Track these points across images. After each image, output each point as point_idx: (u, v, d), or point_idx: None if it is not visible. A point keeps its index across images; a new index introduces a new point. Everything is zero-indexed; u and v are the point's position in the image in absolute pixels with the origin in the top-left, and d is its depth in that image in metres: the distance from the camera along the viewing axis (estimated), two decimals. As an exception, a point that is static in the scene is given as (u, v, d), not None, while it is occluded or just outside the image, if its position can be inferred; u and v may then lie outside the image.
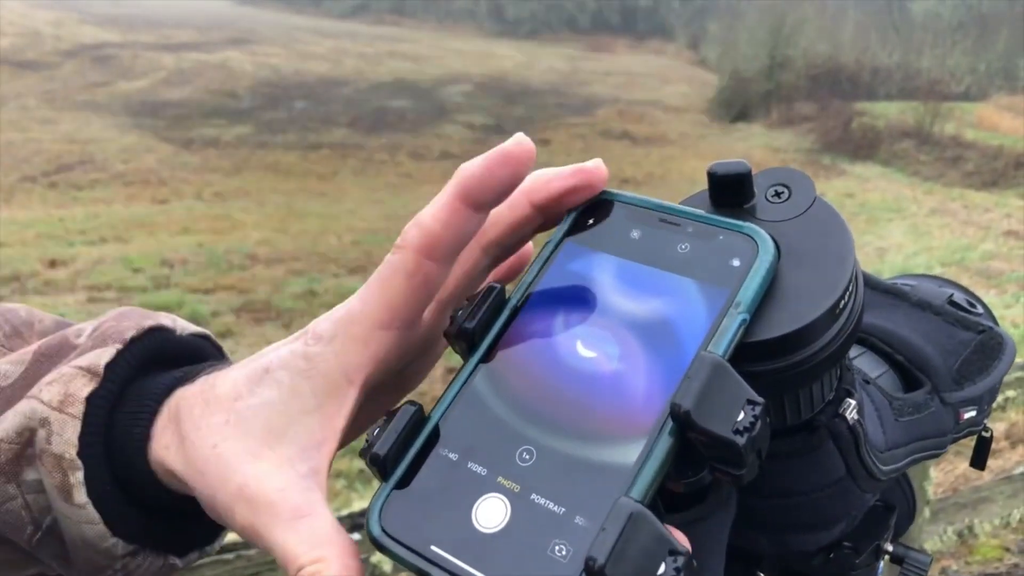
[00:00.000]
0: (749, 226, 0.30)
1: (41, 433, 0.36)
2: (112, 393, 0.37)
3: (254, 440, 0.31)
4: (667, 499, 0.29)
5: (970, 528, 2.52)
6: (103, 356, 0.37)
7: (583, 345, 0.29)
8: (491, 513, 0.26)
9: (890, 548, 0.45)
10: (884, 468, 0.39)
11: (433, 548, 0.26)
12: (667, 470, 0.26)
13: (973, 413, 0.47)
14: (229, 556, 1.28)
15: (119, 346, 0.37)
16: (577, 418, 0.28)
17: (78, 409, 0.36)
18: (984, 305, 0.54)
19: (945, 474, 3.04)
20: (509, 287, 0.32)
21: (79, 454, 0.35)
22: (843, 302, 0.29)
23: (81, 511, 0.36)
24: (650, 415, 0.26)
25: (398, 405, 0.29)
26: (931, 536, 2.43)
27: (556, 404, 0.28)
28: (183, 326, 0.41)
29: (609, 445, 0.26)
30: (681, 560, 0.24)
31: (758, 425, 0.25)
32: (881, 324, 0.48)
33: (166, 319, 0.40)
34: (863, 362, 0.45)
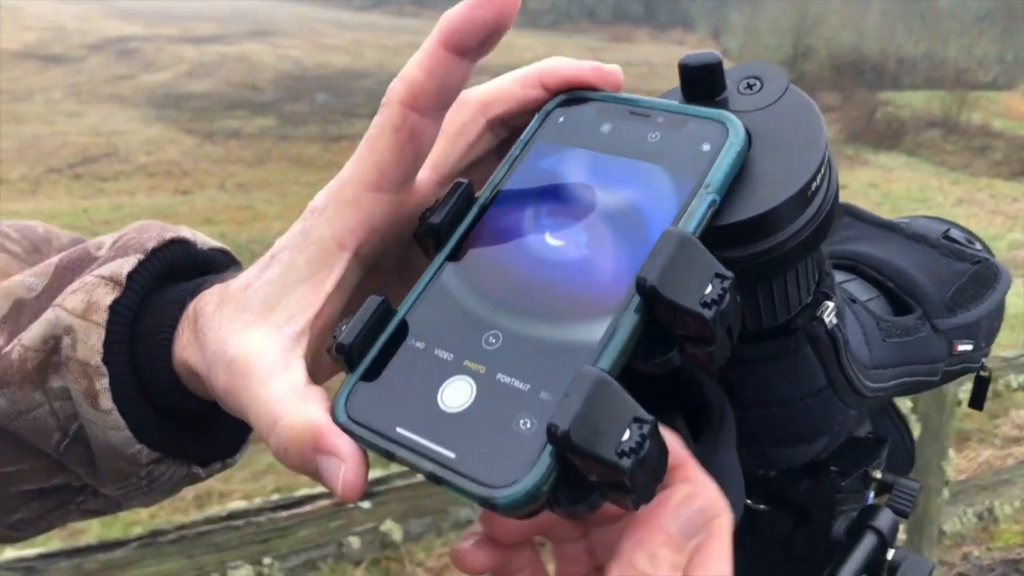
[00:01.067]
0: (719, 112, 0.30)
1: (66, 341, 0.37)
2: (134, 302, 0.37)
3: (251, 314, 0.31)
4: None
5: (990, 511, 2.49)
6: (125, 266, 0.38)
7: (551, 235, 0.29)
8: (456, 394, 0.26)
9: (878, 475, 0.45)
10: (869, 384, 0.38)
11: (398, 430, 0.26)
12: (634, 346, 0.26)
13: (969, 347, 0.47)
14: (239, 523, 1.30)
15: (141, 256, 0.38)
16: (544, 302, 0.28)
17: (101, 317, 0.36)
18: (983, 243, 0.54)
19: (968, 461, 3.00)
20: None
21: (104, 360, 0.36)
22: (814, 185, 0.29)
23: (107, 417, 0.36)
24: (618, 294, 0.26)
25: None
26: (951, 517, 2.41)
27: (523, 290, 0.28)
28: (203, 240, 0.41)
29: (576, 325, 0.26)
30: (647, 428, 0.23)
31: (727, 299, 0.25)
32: (872, 252, 0.47)
33: (187, 232, 0.41)
34: (852, 288, 0.45)
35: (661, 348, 0.26)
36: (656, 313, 0.26)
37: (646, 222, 0.28)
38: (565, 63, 0.33)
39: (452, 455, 0.25)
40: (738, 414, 0.37)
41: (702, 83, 0.31)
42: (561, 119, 0.32)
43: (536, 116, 0.32)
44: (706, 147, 0.29)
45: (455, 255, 0.30)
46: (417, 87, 0.30)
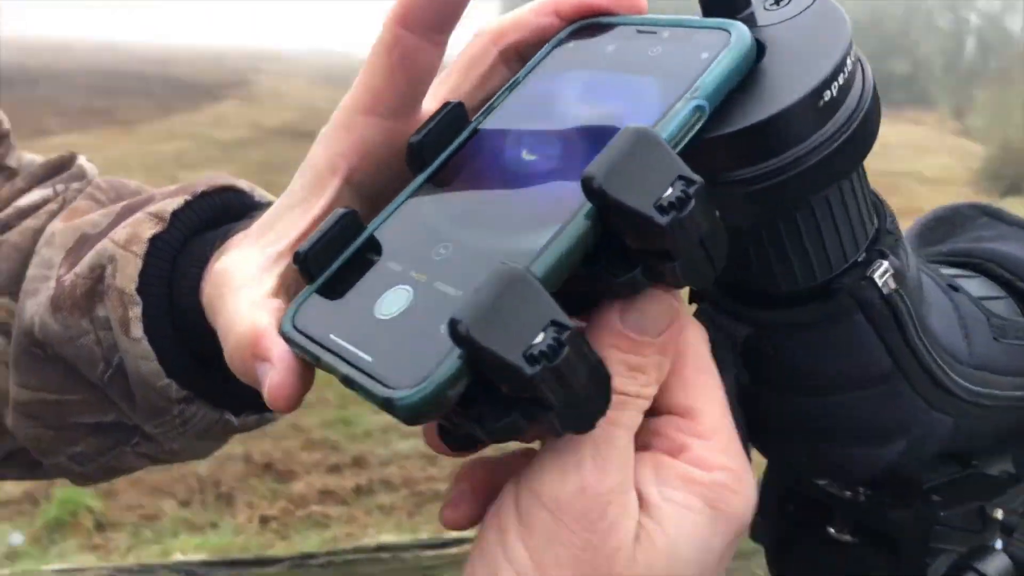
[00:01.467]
0: (724, 20, 0.26)
1: (108, 269, 0.38)
2: (176, 239, 0.39)
3: (250, 238, 0.32)
4: None
5: None
6: (171, 204, 0.39)
7: (526, 152, 0.27)
8: (393, 302, 0.25)
9: (999, 515, 0.36)
10: (965, 384, 0.32)
11: (331, 336, 0.26)
12: (580, 255, 0.23)
13: None
14: (386, 556, 1.31)
15: (188, 197, 0.39)
16: (501, 214, 0.26)
17: (141, 248, 0.38)
18: None
19: None
20: None
21: (138, 290, 0.37)
22: (828, 93, 0.25)
23: (137, 345, 0.37)
24: (573, 201, 0.23)
25: None
26: None
27: (484, 203, 0.27)
28: (261, 193, 0.43)
29: (526, 234, 0.24)
30: (567, 335, 0.21)
31: (691, 205, 0.21)
32: (1010, 252, 0.40)
33: (244, 184, 0.42)
34: (972, 285, 0.38)
35: (624, 265, 0.23)
36: (609, 221, 0.23)
37: (616, 122, 0.25)
38: None
39: (370, 359, 0.24)
40: (789, 401, 0.32)
41: (726, 2, 0.28)
42: (571, 45, 0.30)
43: (547, 44, 0.30)
44: (704, 55, 0.26)
45: (436, 175, 0.29)
46: (408, 3, 0.29)
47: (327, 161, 0.30)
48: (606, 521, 0.24)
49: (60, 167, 0.46)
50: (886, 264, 0.28)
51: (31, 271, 0.41)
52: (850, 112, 0.26)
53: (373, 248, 0.27)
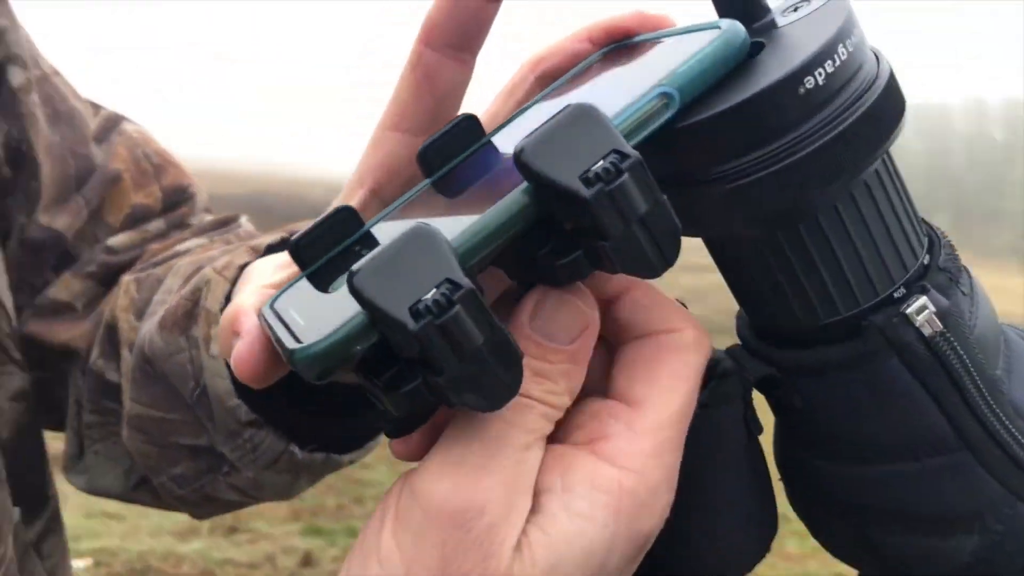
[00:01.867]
0: (724, 20, 0.25)
1: (204, 291, 0.42)
2: None
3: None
4: None
5: None
6: (269, 239, 0.43)
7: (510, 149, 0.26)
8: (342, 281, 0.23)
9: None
10: None
11: (290, 311, 0.25)
12: (511, 229, 0.22)
13: None
14: None
15: (284, 234, 0.42)
16: (468, 201, 0.25)
17: (231, 273, 0.41)
18: None
19: None
20: None
21: (221, 310, 0.40)
22: (812, 79, 0.23)
23: (214, 363, 0.41)
24: (516, 181, 0.23)
25: None
26: None
27: (461, 196, 0.27)
28: None
29: (476, 214, 0.23)
30: (460, 292, 0.20)
31: (623, 178, 0.20)
32: None
33: None
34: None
35: (567, 247, 0.22)
36: (544, 198, 0.22)
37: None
38: (609, 15, 0.31)
39: (303, 323, 0.23)
40: (825, 468, 0.27)
41: (735, 5, 0.26)
42: (594, 66, 0.30)
43: (575, 67, 0.30)
44: (690, 50, 0.24)
45: (440, 181, 0.28)
46: (430, 22, 0.29)
47: (357, 175, 0.31)
48: (481, 525, 0.22)
49: (225, 223, 0.54)
50: (924, 300, 0.24)
51: (156, 296, 0.47)
52: (846, 105, 0.23)
53: (366, 243, 0.27)
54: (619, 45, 0.30)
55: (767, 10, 0.26)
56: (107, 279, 0.52)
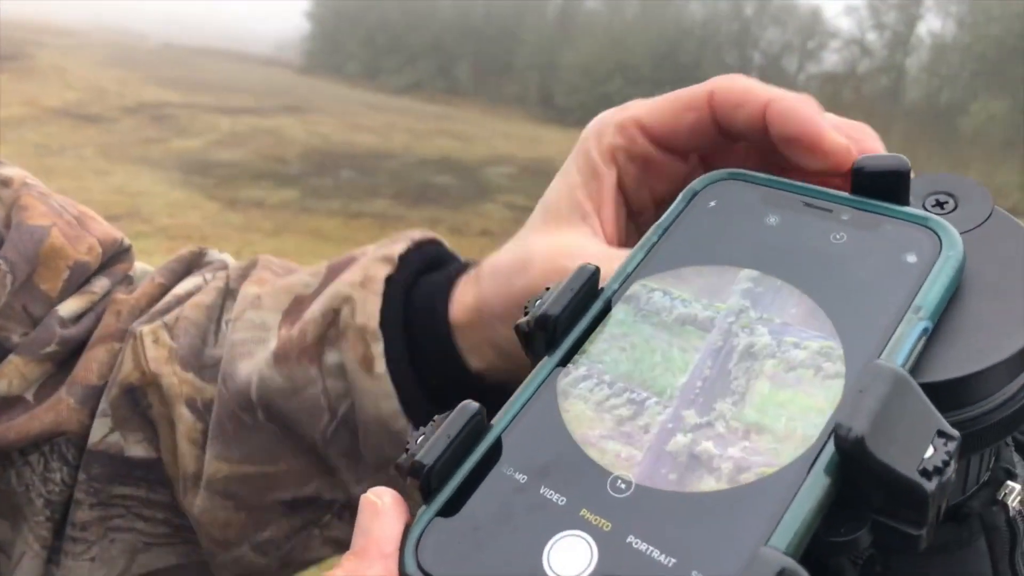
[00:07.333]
0: (928, 215, 0.23)
1: (345, 310, 0.38)
2: (407, 279, 0.39)
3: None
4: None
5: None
6: (396, 248, 0.40)
7: (699, 359, 0.23)
8: (571, 557, 0.19)
9: None
10: None
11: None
12: (821, 516, 0.19)
13: None
14: None
15: (409, 244, 0.41)
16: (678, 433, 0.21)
17: (378, 287, 0.39)
18: None
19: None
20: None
21: (379, 326, 0.37)
22: None
23: (379, 384, 0.37)
24: (797, 443, 0.20)
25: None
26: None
27: (645, 414, 0.22)
28: (451, 248, 0.44)
29: (733, 481, 0.20)
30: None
31: (950, 468, 0.19)
32: None
33: (438, 239, 0.43)
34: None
35: (849, 523, 0.20)
36: (854, 475, 0.19)
37: (833, 350, 0.21)
38: (748, 85, 0.31)
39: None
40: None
41: (881, 194, 0.24)
42: (712, 203, 0.26)
43: (680, 196, 0.27)
44: (911, 258, 0.22)
45: (569, 360, 0.24)
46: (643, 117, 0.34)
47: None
48: None
49: (195, 260, 0.48)
50: (1016, 487, 0.25)
51: (237, 335, 0.41)
52: None
53: (508, 458, 0.22)
54: (730, 176, 0.27)
55: (907, 202, 0.25)
56: (66, 359, 0.44)
